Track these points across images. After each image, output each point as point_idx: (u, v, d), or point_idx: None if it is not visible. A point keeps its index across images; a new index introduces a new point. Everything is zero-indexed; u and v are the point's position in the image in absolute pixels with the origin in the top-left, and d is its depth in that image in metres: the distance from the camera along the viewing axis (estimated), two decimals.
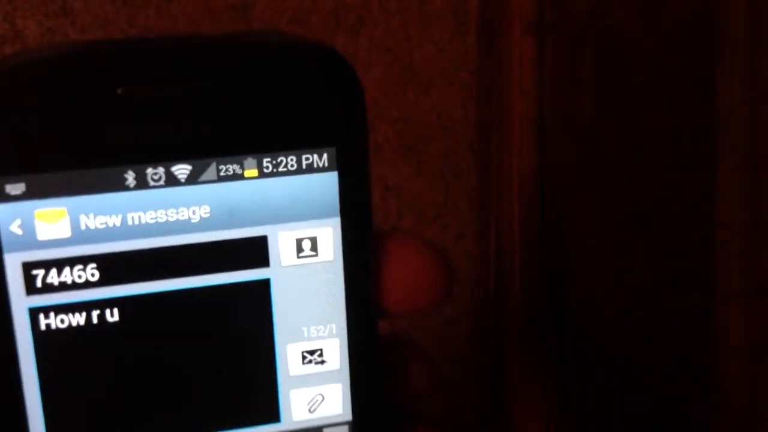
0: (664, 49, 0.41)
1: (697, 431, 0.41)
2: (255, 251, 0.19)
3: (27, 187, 0.18)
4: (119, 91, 0.18)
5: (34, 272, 0.18)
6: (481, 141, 0.44)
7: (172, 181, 0.19)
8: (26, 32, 0.38)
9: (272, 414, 0.20)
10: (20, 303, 0.18)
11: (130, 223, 0.19)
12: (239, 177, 0.19)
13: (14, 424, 0.19)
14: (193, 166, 0.19)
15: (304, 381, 0.20)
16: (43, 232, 0.18)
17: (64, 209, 0.18)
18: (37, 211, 0.18)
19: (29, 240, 0.18)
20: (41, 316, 0.18)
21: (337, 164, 0.19)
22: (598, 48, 0.42)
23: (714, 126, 0.41)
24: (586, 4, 0.42)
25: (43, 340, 0.19)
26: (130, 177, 0.18)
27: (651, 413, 0.43)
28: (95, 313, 0.19)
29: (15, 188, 0.18)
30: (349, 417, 0.21)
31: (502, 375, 0.44)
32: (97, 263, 0.19)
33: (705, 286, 0.41)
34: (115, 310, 0.19)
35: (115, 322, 0.19)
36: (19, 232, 0.18)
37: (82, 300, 0.19)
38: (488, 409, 0.46)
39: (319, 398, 0.21)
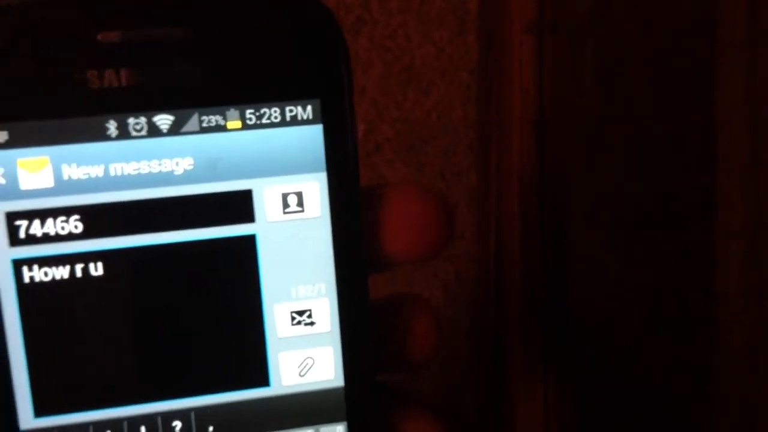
0: (664, 49, 0.41)
1: (697, 431, 0.41)
2: (240, 205, 0.19)
3: (10, 135, 0.18)
4: (100, 37, 0.18)
5: (18, 223, 0.18)
6: (481, 141, 0.44)
7: (154, 131, 0.18)
8: None
9: (261, 377, 0.20)
10: (3, 254, 0.18)
11: (112, 173, 0.18)
12: (222, 128, 0.19)
13: None
14: (176, 117, 0.18)
15: (293, 343, 0.20)
16: (26, 182, 0.18)
17: (47, 158, 0.18)
18: (19, 160, 0.18)
19: (12, 190, 0.18)
20: (25, 268, 0.18)
21: (322, 117, 0.19)
22: (598, 48, 0.42)
23: (714, 126, 0.41)
24: (586, 4, 0.42)
25: (27, 293, 0.18)
26: (112, 126, 0.18)
27: (651, 413, 0.43)
28: (79, 267, 0.19)
29: None
30: (341, 383, 0.20)
31: (502, 375, 0.44)
32: (80, 214, 0.18)
33: (705, 286, 0.41)
34: (99, 264, 0.19)
35: (98, 276, 0.19)
36: (2, 181, 0.18)
37: (65, 252, 0.18)
38: (488, 409, 0.46)
39: (310, 362, 0.20)
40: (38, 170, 0.18)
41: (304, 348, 0.20)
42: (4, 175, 0.18)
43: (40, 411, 0.19)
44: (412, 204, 0.20)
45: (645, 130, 0.42)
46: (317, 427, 0.20)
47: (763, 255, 0.39)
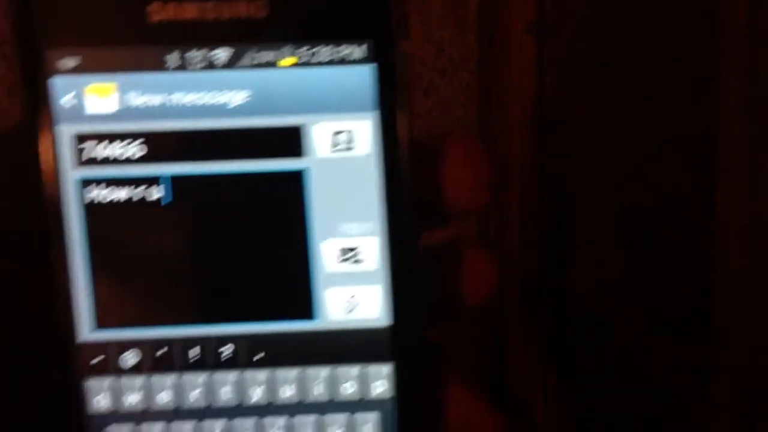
0: (665, 49, 0.41)
1: (697, 431, 0.41)
2: (291, 140, 0.20)
3: (81, 61, 0.19)
4: None
5: (85, 144, 0.19)
6: (481, 141, 0.44)
7: (211, 64, 0.19)
8: None
9: (307, 310, 0.20)
10: (70, 174, 0.19)
11: (172, 103, 0.19)
12: (276, 65, 0.20)
13: (61, 293, 0.19)
14: (233, 51, 0.19)
15: (340, 279, 0.20)
16: (94, 106, 0.19)
17: (114, 84, 0.19)
18: (89, 86, 0.19)
19: (80, 113, 0.19)
20: (90, 187, 0.19)
21: (375, 57, 0.20)
22: (598, 48, 0.42)
23: (714, 126, 0.41)
24: (586, 4, 0.42)
25: (91, 210, 0.19)
26: (173, 58, 0.19)
27: (651, 413, 0.43)
28: (138, 189, 0.20)
29: (70, 62, 0.19)
30: (387, 321, 0.20)
31: (503, 375, 0.44)
32: (141, 140, 0.19)
33: (705, 286, 0.41)
34: (158, 188, 0.20)
35: (156, 199, 0.20)
36: (72, 104, 0.19)
37: (125, 175, 0.20)
38: None
39: (357, 299, 0.20)
40: (105, 96, 0.19)
41: (351, 285, 0.20)
42: (74, 98, 0.19)
43: (100, 324, 0.20)
44: (471, 153, 0.21)
45: (645, 130, 0.42)
46: (364, 365, 0.20)
47: (763, 254, 0.39)
